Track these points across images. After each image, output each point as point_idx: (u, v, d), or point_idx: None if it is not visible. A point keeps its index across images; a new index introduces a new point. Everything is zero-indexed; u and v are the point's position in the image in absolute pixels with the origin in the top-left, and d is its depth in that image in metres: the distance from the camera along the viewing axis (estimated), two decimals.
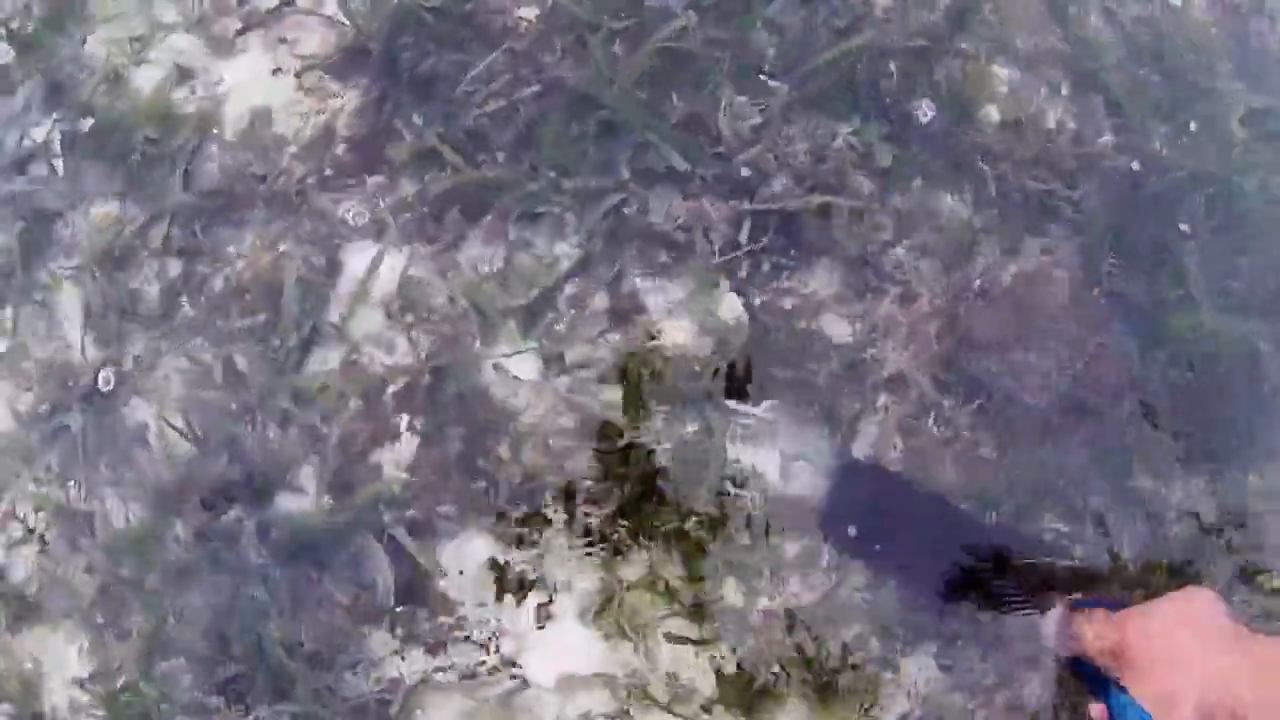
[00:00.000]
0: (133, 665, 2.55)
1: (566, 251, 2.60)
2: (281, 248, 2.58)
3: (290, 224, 2.62)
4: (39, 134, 2.80)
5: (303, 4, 2.77)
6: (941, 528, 2.58)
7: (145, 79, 2.79)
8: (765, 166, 2.65)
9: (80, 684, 2.59)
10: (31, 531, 2.69)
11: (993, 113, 2.78)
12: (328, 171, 2.64)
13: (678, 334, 2.58)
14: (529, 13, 2.72)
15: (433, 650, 2.47)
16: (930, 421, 2.60)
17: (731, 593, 2.51)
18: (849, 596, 2.50)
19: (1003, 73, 2.82)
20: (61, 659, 2.64)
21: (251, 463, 2.54)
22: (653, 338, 2.57)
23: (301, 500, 2.54)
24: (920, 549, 2.56)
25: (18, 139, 2.84)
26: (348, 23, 2.72)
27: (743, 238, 2.64)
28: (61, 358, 2.70)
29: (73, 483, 2.65)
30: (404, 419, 2.55)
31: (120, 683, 2.56)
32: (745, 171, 2.65)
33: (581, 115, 2.62)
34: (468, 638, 2.49)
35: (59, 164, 2.75)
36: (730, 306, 2.61)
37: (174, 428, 2.55)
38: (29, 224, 2.78)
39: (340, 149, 2.65)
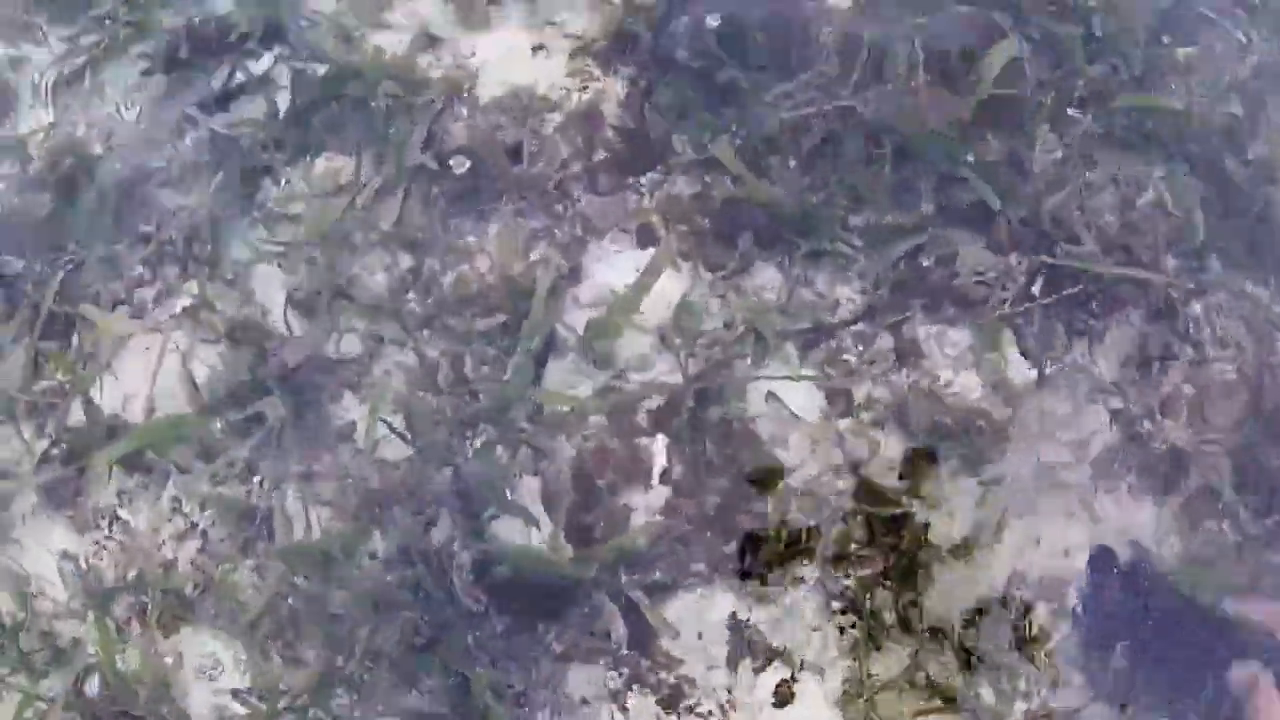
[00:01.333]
0: (304, 689, 2.22)
1: (849, 295, 2.31)
2: (534, 254, 2.26)
3: (546, 223, 2.31)
4: (256, 68, 2.47)
5: None
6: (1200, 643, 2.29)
7: (386, 41, 2.48)
8: (1068, 219, 2.37)
9: (235, 694, 2.27)
10: (194, 526, 2.36)
11: None
12: (597, 156, 2.32)
13: (967, 389, 2.29)
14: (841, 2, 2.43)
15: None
16: (1220, 521, 2.32)
17: (988, 692, 2.22)
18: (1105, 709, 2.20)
19: None
20: (208, 664, 2.31)
21: (471, 481, 2.22)
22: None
23: (518, 529, 2.21)
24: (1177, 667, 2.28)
25: (228, 72, 2.50)
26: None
27: (1036, 290, 2.35)
28: (256, 321, 2.36)
29: (257, 478, 2.32)
30: (658, 445, 2.23)
31: (283, 704, 2.24)
32: (1048, 224, 2.36)
33: (879, 139, 2.33)
34: (692, 708, 2.18)
35: (280, 99, 2.39)
36: (1019, 368, 2.32)
37: (393, 429, 2.23)
38: (228, 177, 2.43)
39: (609, 134, 2.34)
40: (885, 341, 2.30)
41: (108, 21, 2.63)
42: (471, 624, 2.16)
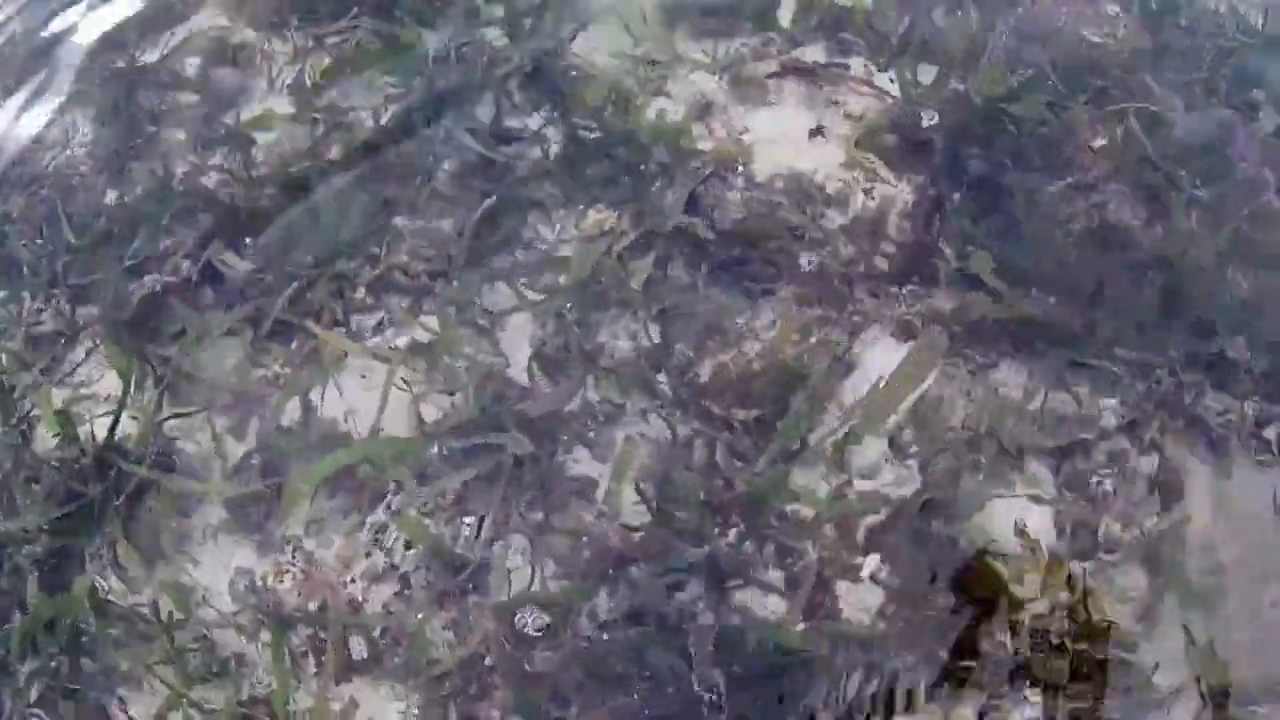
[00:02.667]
0: None
1: (1113, 407, 2.26)
2: (813, 338, 2.21)
3: (826, 311, 2.26)
4: (532, 122, 2.45)
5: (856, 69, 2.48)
6: None
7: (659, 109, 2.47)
8: None
9: None
10: (395, 568, 2.20)
11: None
12: (878, 260, 2.29)
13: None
14: (1098, 142, 2.45)
15: None
16: None
17: None
18: None
19: None
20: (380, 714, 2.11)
21: (716, 553, 2.10)
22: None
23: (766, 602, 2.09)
24: None
25: (493, 113, 2.46)
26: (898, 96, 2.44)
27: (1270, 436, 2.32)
28: (498, 369, 2.27)
29: (469, 520, 2.18)
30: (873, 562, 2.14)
31: None
32: None
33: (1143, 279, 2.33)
34: None
35: (553, 150, 2.36)
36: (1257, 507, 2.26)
37: (644, 497, 2.11)
38: (496, 206, 2.35)
39: (887, 246, 2.32)
40: (1146, 467, 2.22)
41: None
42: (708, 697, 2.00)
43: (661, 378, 2.25)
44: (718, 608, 2.05)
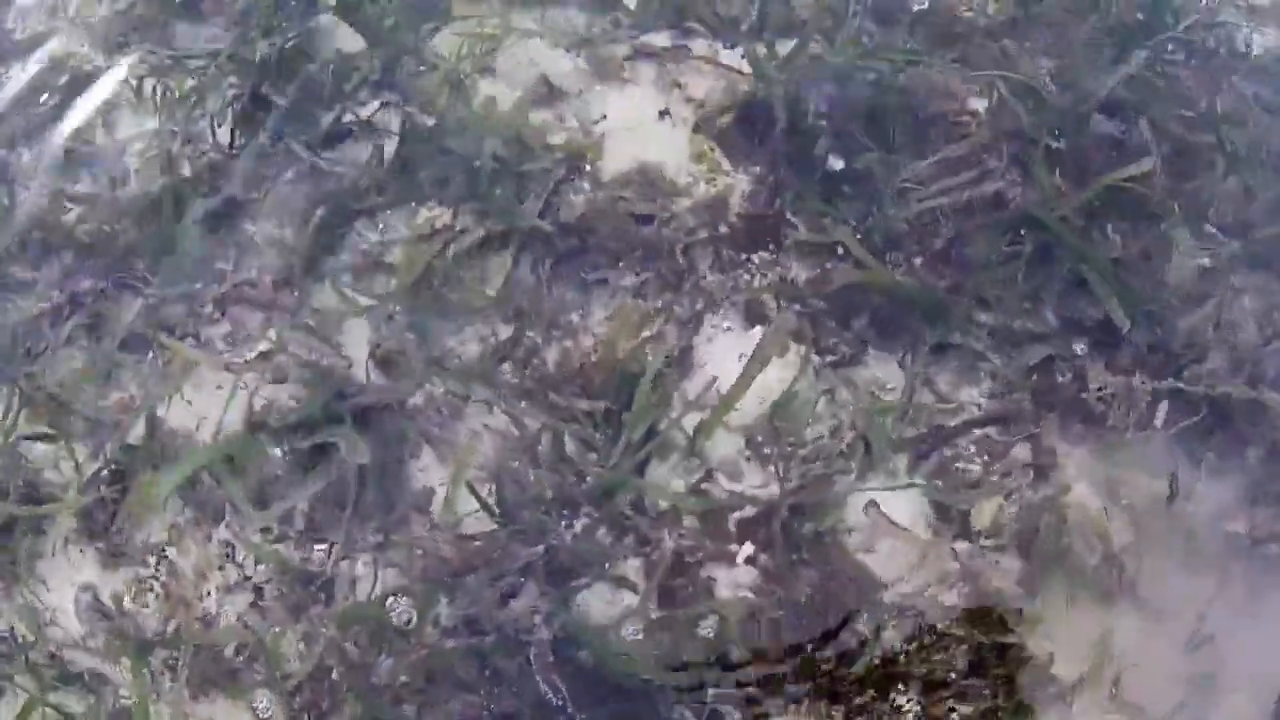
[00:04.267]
0: None
1: (974, 399, 2.17)
2: (645, 332, 2.14)
3: (669, 299, 2.19)
4: (363, 112, 2.40)
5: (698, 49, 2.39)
6: None
7: (496, 91, 2.41)
8: (1202, 339, 2.25)
9: None
10: (247, 579, 2.19)
11: None
12: (723, 229, 2.22)
13: (1087, 501, 2.13)
14: (979, 105, 2.36)
15: None
16: None
17: None
18: None
19: None
20: None
21: (561, 553, 2.06)
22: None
23: (605, 606, 2.04)
24: None
25: (335, 114, 2.43)
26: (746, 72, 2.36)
27: (1159, 420, 2.20)
28: (336, 366, 2.24)
29: (324, 545, 2.16)
30: (744, 549, 2.08)
31: None
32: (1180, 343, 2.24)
33: (1014, 238, 2.23)
34: None
35: (387, 149, 2.32)
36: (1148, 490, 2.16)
37: (481, 502, 2.07)
38: (329, 213, 2.33)
39: (733, 216, 2.25)
40: (1020, 453, 2.13)
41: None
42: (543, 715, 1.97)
43: (506, 368, 2.20)
44: (551, 616, 2.00)
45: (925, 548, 2.08)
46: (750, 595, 2.04)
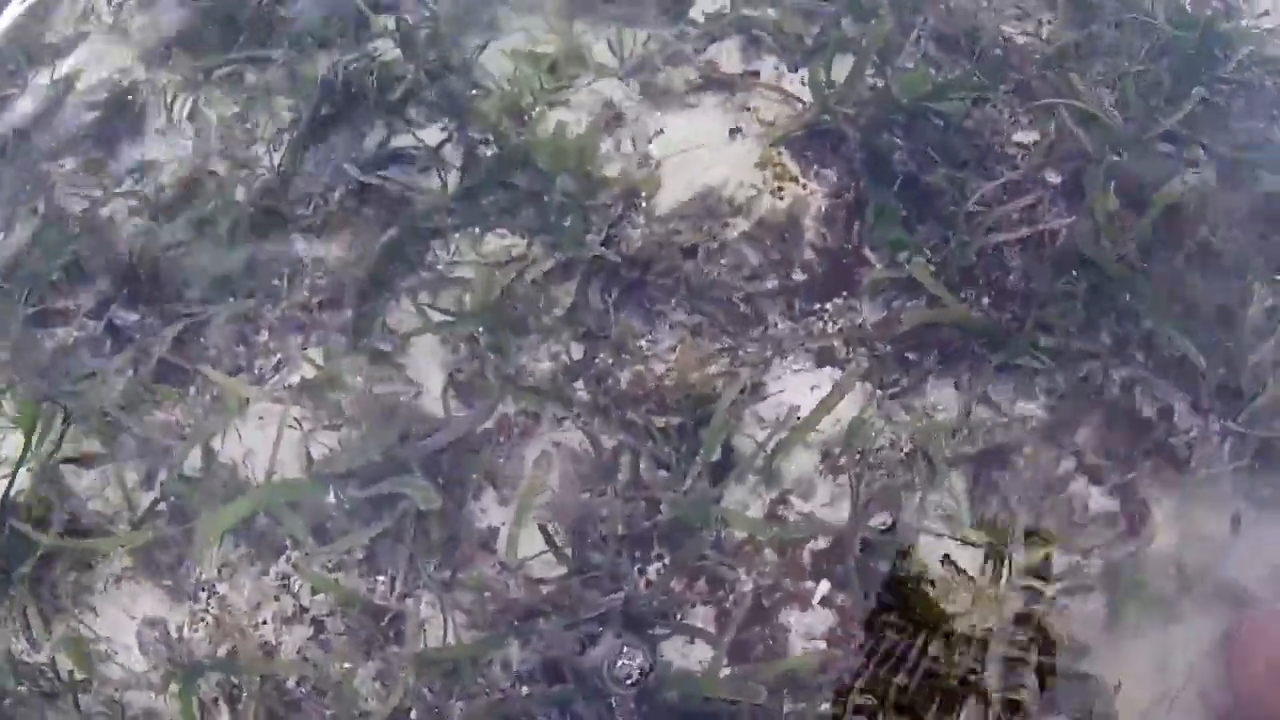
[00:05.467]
0: None
1: (1030, 412, 2.17)
2: (713, 368, 2.11)
3: (735, 337, 2.16)
4: (426, 136, 2.33)
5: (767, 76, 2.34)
6: None
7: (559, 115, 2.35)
8: (1263, 375, 2.27)
9: None
10: (304, 610, 2.15)
11: None
12: (796, 277, 2.19)
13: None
14: (1026, 138, 2.32)
15: None
16: None
17: None
18: None
19: None
20: None
21: (636, 601, 2.04)
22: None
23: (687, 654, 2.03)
24: None
25: (383, 136, 2.35)
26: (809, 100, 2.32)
27: (1224, 454, 2.22)
28: (405, 401, 2.18)
29: (383, 577, 2.13)
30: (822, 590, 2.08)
31: None
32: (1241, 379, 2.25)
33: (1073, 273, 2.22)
34: None
35: (451, 178, 2.26)
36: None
37: (549, 541, 2.04)
38: (400, 234, 2.24)
39: (807, 254, 2.21)
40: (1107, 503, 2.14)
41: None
42: None
43: (579, 386, 2.17)
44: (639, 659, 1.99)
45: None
46: (824, 645, 2.03)
